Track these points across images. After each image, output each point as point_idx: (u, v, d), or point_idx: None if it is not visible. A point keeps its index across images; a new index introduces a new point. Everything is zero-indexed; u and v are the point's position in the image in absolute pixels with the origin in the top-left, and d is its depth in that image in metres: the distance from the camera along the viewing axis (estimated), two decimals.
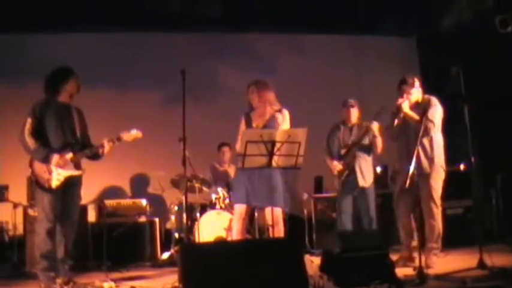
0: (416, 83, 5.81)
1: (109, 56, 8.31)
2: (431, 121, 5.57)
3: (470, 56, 7.40)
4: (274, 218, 5.22)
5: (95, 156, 5.36)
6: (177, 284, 4.63)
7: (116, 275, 6.03)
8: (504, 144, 7.94)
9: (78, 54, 7.76)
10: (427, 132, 5.55)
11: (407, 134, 5.70)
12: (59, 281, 4.99)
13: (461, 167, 7.33)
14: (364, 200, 6.34)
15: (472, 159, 5.38)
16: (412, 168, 5.00)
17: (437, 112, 5.67)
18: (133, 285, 4.97)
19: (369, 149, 6.39)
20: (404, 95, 5.70)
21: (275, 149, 4.84)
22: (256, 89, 5.50)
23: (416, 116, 5.59)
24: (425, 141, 5.64)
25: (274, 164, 4.90)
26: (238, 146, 5.37)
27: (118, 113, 7.99)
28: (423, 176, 5.57)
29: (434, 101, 5.73)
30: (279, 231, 5.32)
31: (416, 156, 5.16)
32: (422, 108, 5.64)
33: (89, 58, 7.97)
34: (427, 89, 8.53)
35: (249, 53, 8.68)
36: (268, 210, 5.27)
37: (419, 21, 8.53)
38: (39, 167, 5.09)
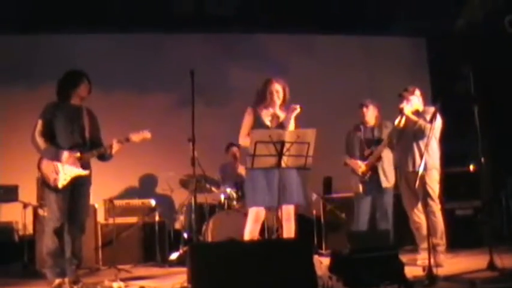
0: (417, 92, 6.05)
1: (121, 57, 8.34)
2: (433, 127, 5.66)
3: (481, 57, 7.37)
4: (286, 215, 5.21)
5: (104, 156, 5.42)
6: (186, 284, 4.63)
7: (125, 274, 6.06)
8: None
9: (90, 56, 7.79)
10: (425, 134, 5.70)
11: (405, 138, 5.99)
12: (66, 280, 5.02)
13: (471, 167, 7.32)
14: (384, 200, 6.34)
15: (482, 160, 5.36)
16: (421, 168, 5.05)
17: (437, 121, 5.78)
18: (142, 285, 4.98)
19: (392, 148, 6.38)
20: (405, 101, 5.92)
21: (284, 150, 4.84)
22: (288, 90, 5.51)
23: (416, 118, 5.84)
24: (422, 144, 5.81)
25: (283, 164, 4.89)
26: (242, 140, 5.40)
27: (129, 114, 7.99)
28: (420, 176, 5.62)
29: (436, 110, 5.83)
30: (290, 228, 5.30)
31: (413, 157, 5.74)
32: (422, 116, 5.88)
33: (100, 60, 8.01)
34: (437, 89, 8.56)
35: (260, 53, 8.68)
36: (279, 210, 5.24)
37: (429, 21, 8.50)
38: (46, 167, 5.16)
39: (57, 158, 5.16)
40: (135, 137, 5.41)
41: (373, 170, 6.34)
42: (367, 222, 6.37)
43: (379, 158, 6.34)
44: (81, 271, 5.38)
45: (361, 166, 6.39)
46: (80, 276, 5.25)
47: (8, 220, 7.40)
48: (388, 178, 6.35)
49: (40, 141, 5.18)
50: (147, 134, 5.46)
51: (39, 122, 5.24)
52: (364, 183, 6.38)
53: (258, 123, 5.39)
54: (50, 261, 5.13)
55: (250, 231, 5.34)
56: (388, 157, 6.39)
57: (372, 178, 6.34)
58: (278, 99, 5.45)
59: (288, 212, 5.27)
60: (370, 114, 6.48)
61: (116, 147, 5.35)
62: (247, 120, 5.46)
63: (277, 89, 5.44)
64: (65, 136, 5.26)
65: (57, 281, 5.02)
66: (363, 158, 6.42)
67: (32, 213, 6.87)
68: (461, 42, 8.07)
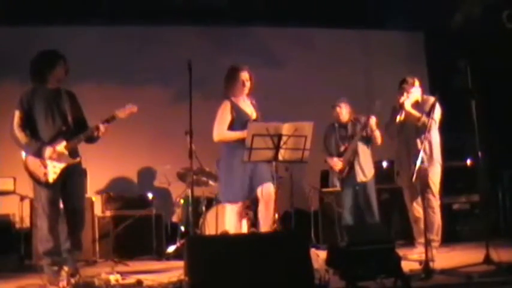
0: (417, 82, 6.06)
1: (115, 50, 8.28)
2: (434, 119, 5.72)
3: (479, 51, 7.37)
4: (266, 195, 5.14)
5: (91, 139, 5.15)
6: (182, 277, 4.63)
7: (122, 267, 6.06)
8: None
9: (84, 48, 7.75)
10: (428, 130, 5.65)
11: (406, 132, 5.98)
12: (65, 269, 4.89)
13: (468, 162, 7.34)
14: (365, 194, 6.40)
15: (479, 154, 5.37)
16: (418, 162, 5.05)
17: (438, 111, 5.84)
18: (139, 278, 4.96)
19: (368, 141, 6.46)
20: (405, 94, 5.92)
21: (281, 143, 4.83)
22: (253, 78, 5.41)
23: (418, 114, 5.84)
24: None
25: (280, 157, 4.89)
26: (219, 134, 5.27)
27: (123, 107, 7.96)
28: (422, 170, 5.63)
29: (435, 101, 5.83)
30: (270, 210, 5.17)
31: (417, 151, 5.46)
32: (422, 107, 5.89)
33: (94, 52, 7.97)
34: (434, 83, 8.56)
35: (258, 47, 8.65)
36: (259, 190, 5.19)
37: (427, 16, 8.49)
38: (33, 162, 4.90)
39: (39, 155, 4.89)
40: (121, 113, 5.12)
41: (350, 166, 6.40)
42: (351, 217, 6.43)
43: (355, 153, 6.41)
44: (78, 263, 5.36)
45: (337, 164, 6.50)
46: (78, 269, 5.14)
47: (5, 212, 7.39)
48: (365, 172, 6.42)
49: (20, 136, 4.90)
50: (133, 108, 5.16)
51: (17, 114, 4.94)
52: (344, 179, 6.47)
53: (239, 115, 5.29)
54: (48, 260, 4.96)
55: (236, 227, 5.28)
56: (364, 152, 6.44)
57: (351, 174, 6.42)
58: (247, 87, 5.37)
59: (268, 192, 5.17)
60: (344, 113, 6.59)
61: (102, 128, 5.05)
62: (225, 113, 5.31)
63: (247, 78, 5.37)
64: (47, 125, 4.97)
65: (54, 277, 4.89)
66: (339, 155, 6.53)
67: (29, 206, 6.85)
68: (459, 36, 8.07)
